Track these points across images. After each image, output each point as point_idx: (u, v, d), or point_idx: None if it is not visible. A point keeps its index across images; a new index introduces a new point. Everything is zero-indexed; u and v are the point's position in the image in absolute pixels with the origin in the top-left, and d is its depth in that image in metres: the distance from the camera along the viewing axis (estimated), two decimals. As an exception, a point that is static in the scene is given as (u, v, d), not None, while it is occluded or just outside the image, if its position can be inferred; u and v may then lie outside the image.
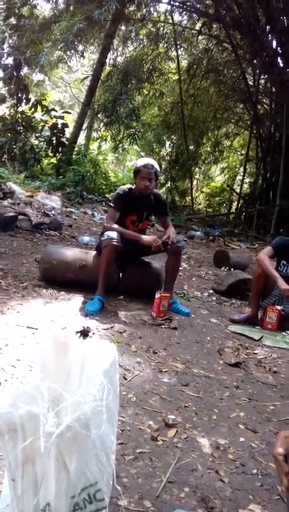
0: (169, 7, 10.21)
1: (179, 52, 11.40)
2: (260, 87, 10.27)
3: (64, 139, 10.38)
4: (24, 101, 10.75)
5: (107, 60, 11.09)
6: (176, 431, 1.80)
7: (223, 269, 5.27)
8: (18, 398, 0.89)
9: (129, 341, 2.65)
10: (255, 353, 2.84)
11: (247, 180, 12.46)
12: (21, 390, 0.95)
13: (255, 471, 1.62)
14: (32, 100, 10.71)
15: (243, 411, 2.07)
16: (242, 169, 12.12)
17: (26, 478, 0.85)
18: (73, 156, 10.43)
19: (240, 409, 2.09)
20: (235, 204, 12.79)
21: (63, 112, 10.85)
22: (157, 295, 3.16)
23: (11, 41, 10.21)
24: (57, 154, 10.34)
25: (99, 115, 11.65)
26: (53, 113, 10.32)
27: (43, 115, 10.46)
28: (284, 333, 3.29)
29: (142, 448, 1.65)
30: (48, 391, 0.95)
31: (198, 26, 10.36)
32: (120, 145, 12.35)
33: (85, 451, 0.86)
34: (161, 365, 2.41)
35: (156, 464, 1.58)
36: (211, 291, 4.23)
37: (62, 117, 10.30)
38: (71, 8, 9.17)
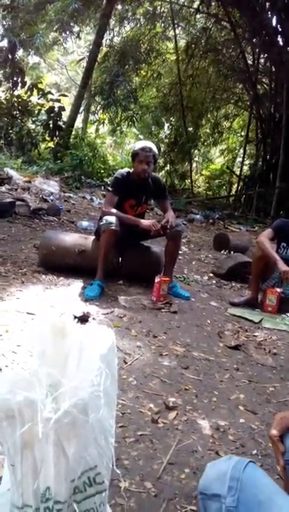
0: (166, -15, 9.99)
1: (177, 31, 11.19)
2: (260, 66, 10.08)
3: (61, 123, 10.22)
4: (20, 84, 10.62)
5: (104, 41, 10.88)
6: (177, 413, 1.82)
7: (223, 252, 5.26)
8: (16, 384, 0.89)
9: (129, 326, 2.66)
10: (254, 336, 2.85)
11: (247, 162, 12.34)
12: (19, 376, 0.95)
13: (255, 452, 1.64)
14: (28, 83, 10.56)
15: (242, 393, 2.08)
16: (242, 151, 11.98)
17: (25, 463, 0.86)
18: (71, 140, 10.30)
19: (240, 391, 2.10)
20: (235, 186, 12.70)
21: (60, 95, 10.68)
22: (157, 279, 3.16)
23: (4, 22, 10.01)
24: (54, 138, 10.21)
25: (96, 97, 11.51)
26: (49, 96, 10.15)
27: (39, 98, 10.31)
28: (284, 315, 3.29)
29: (142, 430, 1.67)
30: (45, 377, 0.95)
31: (196, 4, 10.14)
32: (118, 128, 12.22)
33: (83, 435, 0.87)
34: (162, 349, 2.42)
35: (156, 446, 1.59)
36: (211, 275, 4.23)
37: (58, 100, 10.13)
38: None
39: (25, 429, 0.82)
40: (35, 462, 0.84)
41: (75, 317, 2.46)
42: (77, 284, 3.22)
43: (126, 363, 2.18)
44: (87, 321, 2.53)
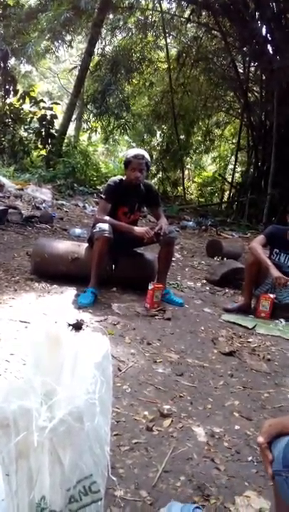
0: (157, -6, 10.10)
1: (168, 40, 11.30)
2: (251, 74, 10.22)
3: (53, 131, 10.26)
4: (12, 92, 10.62)
5: (96, 50, 10.96)
6: (172, 421, 1.81)
7: (215, 258, 5.28)
8: (11, 393, 0.88)
9: (122, 333, 2.65)
10: (248, 342, 2.85)
11: (238, 169, 12.45)
12: (14, 384, 0.95)
13: (250, 458, 1.64)
14: (20, 92, 10.57)
15: (237, 399, 2.08)
16: (233, 158, 12.10)
17: (21, 472, 0.85)
18: (63, 148, 10.34)
19: (235, 397, 2.10)
20: (227, 193, 12.80)
21: (52, 103, 10.72)
22: (150, 286, 3.16)
23: (-4, 31, 10.04)
24: (46, 146, 10.23)
25: (88, 106, 11.57)
26: (41, 104, 10.19)
27: (31, 106, 10.34)
28: (277, 321, 3.30)
29: (137, 438, 1.66)
30: (40, 385, 0.95)
31: (187, 14, 10.26)
32: (111, 136, 12.26)
33: (78, 444, 0.86)
34: (156, 356, 2.41)
35: (151, 453, 1.58)
36: (204, 281, 4.24)
37: (51, 108, 10.17)
38: (57, -4, 9.04)
39: (20, 438, 0.81)
40: (30, 472, 0.83)
41: (69, 325, 2.45)
42: (70, 292, 3.21)
43: (120, 370, 2.17)
44: (80, 328, 2.52)
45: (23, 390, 0.91)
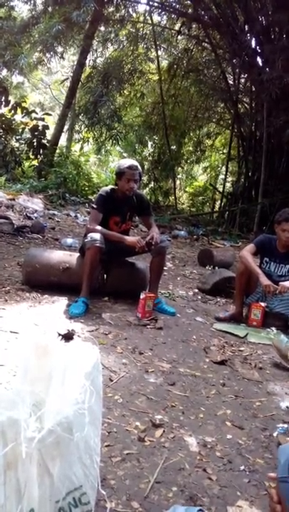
0: (147, 7, 10.23)
1: (159, 52, 11.41)
2: (240, 86, 10.35)
3: (45, 141, 10.29)
4: (3, 103, 10.63)
5: (87, 62, 11.04)
6: (163, 431, 1.80)
7: (207, 267, 5.29)
8: (-1, 404, 0.88)
9: (114, 343, 2.64)
10: (240, 350, 2.86)
11: (229, 179, 12.53)
12: (2, 395, 0.94)
13: (242, 468, 1.63)
14: (12, 102, 10.59)
15: (229, 408, 2.08)
16: (224, 168, 12.17)
17: (9, 484, 0.84)
18: (55, 158, 10.36)
19: (227, 406, 2.10)
20: (218, 203, 12.86)
21: (44, 114, 10.76)
22: (142, 295, 3.15)
23: (-12, 43, 10.06)
24: (38, 156, 10.25)
25: (80, 117, 11.61)
26: (33, 115, 10.22)
27: (23, 117, 10.35)
28: (268, 329, 3.31)
29: (129, 449, 1.64)
30: (29, 396, 0.94)
31: (177, 26, 10.40)
32: (102, 146, 12.31)
33: (68, 454, 0.85)
34: (147, 366, 2.40)
35: (143, 464, 1.57)
36: (196, 290, 4.24)
37: (42, 119, 10.21)
38: (49, 9, 9.11)
39: (8, 450, 0.80)
40: (18, 483, 0.82)
41: (60, 335, 2.44)
42: (61, 302, 3.20)
43: (111, 380, 2.16)
44: (71, 338, 2.51)
45: (12, 400, 0.90)
